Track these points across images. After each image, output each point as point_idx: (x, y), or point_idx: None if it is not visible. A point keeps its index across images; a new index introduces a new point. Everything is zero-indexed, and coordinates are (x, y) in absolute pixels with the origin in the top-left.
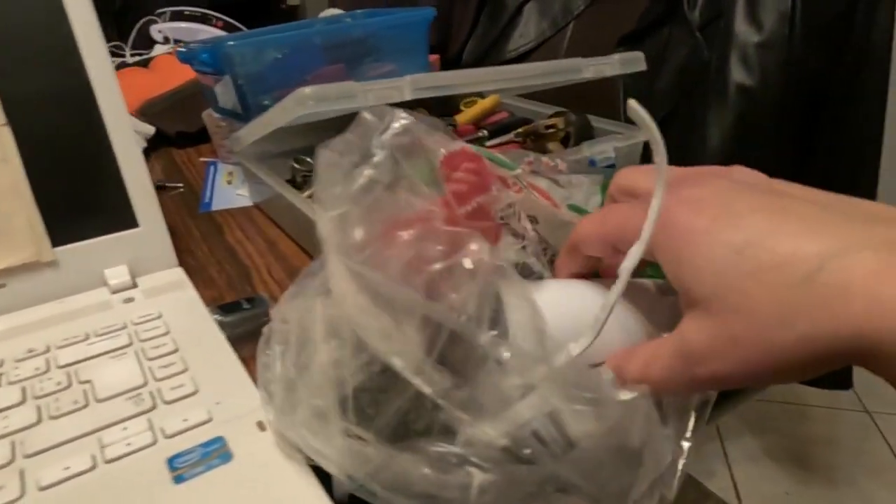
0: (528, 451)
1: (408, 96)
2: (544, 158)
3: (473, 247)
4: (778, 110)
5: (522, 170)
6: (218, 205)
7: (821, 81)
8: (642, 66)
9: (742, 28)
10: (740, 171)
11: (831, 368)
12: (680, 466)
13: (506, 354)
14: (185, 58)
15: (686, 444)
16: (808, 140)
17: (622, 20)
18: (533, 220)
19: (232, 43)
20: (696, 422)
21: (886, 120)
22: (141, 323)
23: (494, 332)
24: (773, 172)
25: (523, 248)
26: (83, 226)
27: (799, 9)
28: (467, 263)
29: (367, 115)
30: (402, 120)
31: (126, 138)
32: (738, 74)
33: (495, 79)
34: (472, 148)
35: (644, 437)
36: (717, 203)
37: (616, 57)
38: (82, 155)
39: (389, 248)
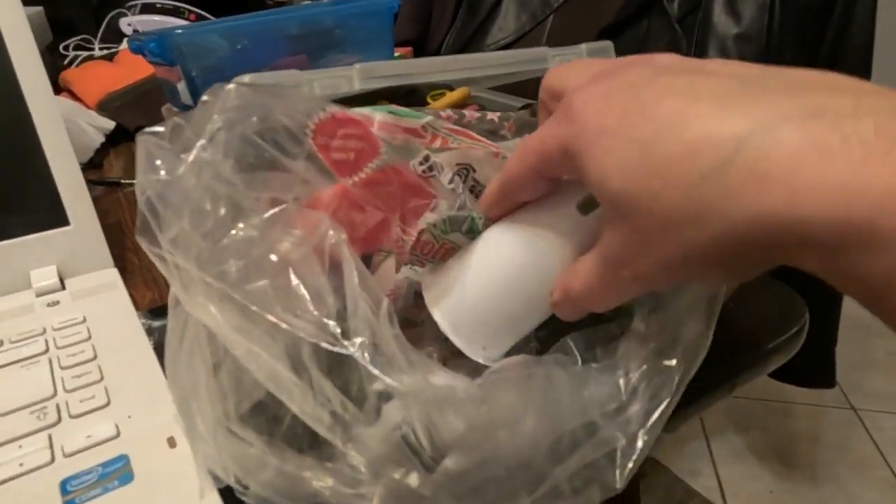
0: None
1: (357, 86)
2: (468, 112)
3: (288, 239)
4: None
5: (434, 119)
6: None
7: None
8: (611, 56)
9: (721, 19)
10: (663, 57)
11: (767, 266)
12: (636, 452)
13: (365, 356)
14: (136, 48)
15: (646, 430)
16: None
17: (601, 13)
18: (467, 168)
19: (181, 31)
20: (666, 408)
21: None
22: (61, 328)
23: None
24: None
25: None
26: (7, 224)
27: (778, 0)
28: (273, 256)
29: (206, 97)
30: (242, 95)
31: (56, 132)
32: None
33: (454, 67)
34: (345, 110)
35: (544, 404)
36: (627, 95)
37: (583, 47)
38: (7, 150)
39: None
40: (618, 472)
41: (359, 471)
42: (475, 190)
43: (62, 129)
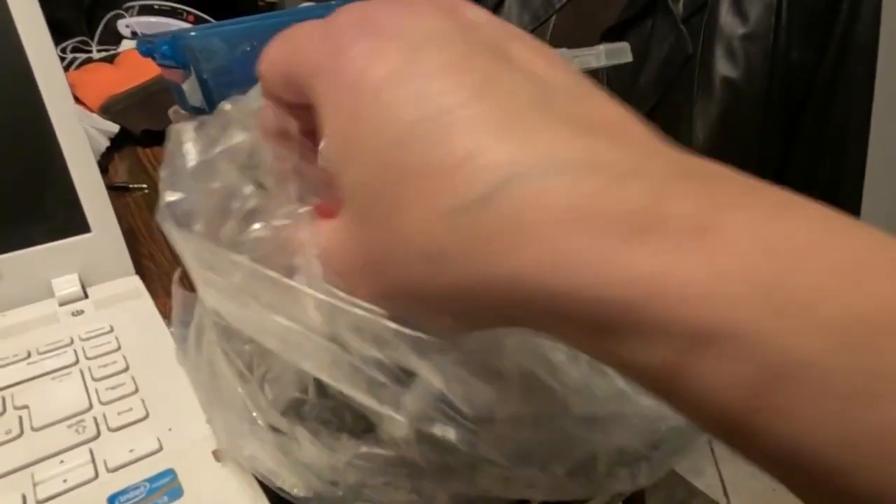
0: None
1: None
2: None
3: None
4: (763, 102)
5: None
6: None
7: (805, 73)
8: (628, 58)
9: (727, 20)
10: (472, 11)
11: (511, 324)
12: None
13: None
14: (146, 51)
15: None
16: (792, 132)
17: (604, 13)
18: None
19: (194, 34)
20: None
21: (874, 114)
22: (89, 338)
23: None
24: (758, 164)
25: None
26: (28, 232)
27: (785, 0)
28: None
29: (227, 106)
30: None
31: (75, 137)
32: (723, 67)
33: None
34: None
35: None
36: (407, 49)
37: (601, 48)
38: (27, 155)
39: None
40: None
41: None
42: None
43: (81, 134)
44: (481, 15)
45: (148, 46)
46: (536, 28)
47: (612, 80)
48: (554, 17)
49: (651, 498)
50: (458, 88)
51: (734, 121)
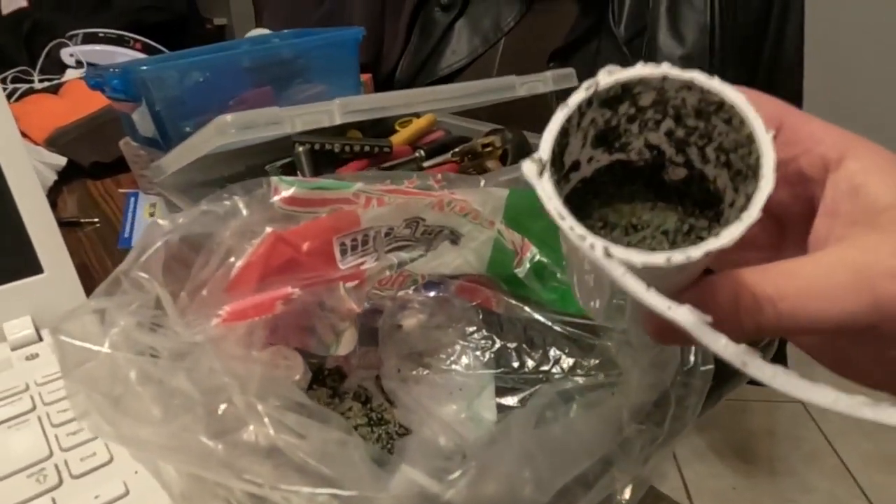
0: None
1: (338, 120)
2: (437, 177)
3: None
4: None
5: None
6: None
7: None
8: (574, 83)
9: (666, 42)
10: None
11: None
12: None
13: None
14: (95, 84)
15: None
16: None
17: (552, 35)
18: (417, 220)
19: (146, 67)
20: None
21: None
22: (45, 383)
23: None
24: None
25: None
26: None
27: (717, 22)
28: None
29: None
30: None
31: (23, 173)
32: None
33: (427, 99)
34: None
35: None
36: None
37: (548, 74)
38: None
39: None
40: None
41: None
42: (428, 236)
43: (30, 169)
44: None
45: (97, 80)
46: (487, 51)
47: (560, 102)
48: (503, 40)
49: None
50: None
51: None
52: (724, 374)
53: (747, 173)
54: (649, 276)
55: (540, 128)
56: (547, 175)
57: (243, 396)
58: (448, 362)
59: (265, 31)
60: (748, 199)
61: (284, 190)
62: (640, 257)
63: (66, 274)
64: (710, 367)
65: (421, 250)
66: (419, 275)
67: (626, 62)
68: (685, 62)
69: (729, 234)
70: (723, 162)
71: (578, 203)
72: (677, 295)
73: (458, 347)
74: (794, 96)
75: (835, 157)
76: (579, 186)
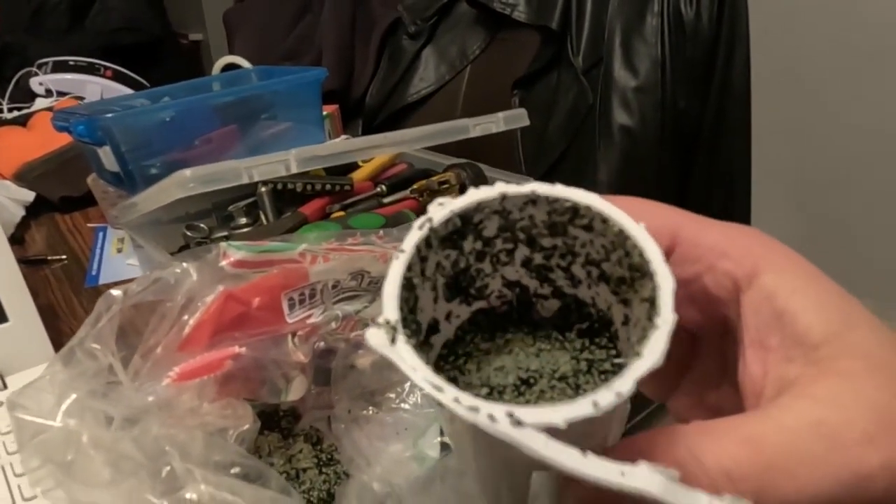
0: None
1: (294, 169)
2: (379, 233)
3: None
4: (657, 148)
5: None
6: (106, 277)
7: (692, 119)
8: (525, 122)
9: (621, 73)
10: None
11: None
12: None
13: None
14: (62, 128)
15: None
16: (686, 173)
17: (515, 64)
18: (362, 273)
19: (110, 115)
20: None
21: (753, 151)
22: (9, 433)
23: None
24: (658, 200)
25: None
26: None
27: (668, 55)
28: None
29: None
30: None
31: None
32: (619, 116)
33: (383, 144)
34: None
35: None
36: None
37: (500, 115)
38: None
39: None
40: None
41: None
42: (375, 286)
43: None
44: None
45: (63, 125)
46: (454, 78)
47: (524, 130)
48: (469, 67)
49: None
50: None
51: (634, 164)
52: None
53: (633, 276)
54: (575, 438)
55: (506, 157)
56: (402, 339)
57: (181, 463)
58: (397, 401)
59: (237, 58)
60: (651, 302)
61: (233, 254)
62: (561, 413)
63: (31, 321)
64: None
65: (367, 301)
66: (370, 318)
67: (583, 92)
68: (639, 93)
69: (652, 350)
70: (597, 276)
71: (450, 373)
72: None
73: (407, 386)
74: (743, 124)
75: (745, 273)
76: (444, 353)
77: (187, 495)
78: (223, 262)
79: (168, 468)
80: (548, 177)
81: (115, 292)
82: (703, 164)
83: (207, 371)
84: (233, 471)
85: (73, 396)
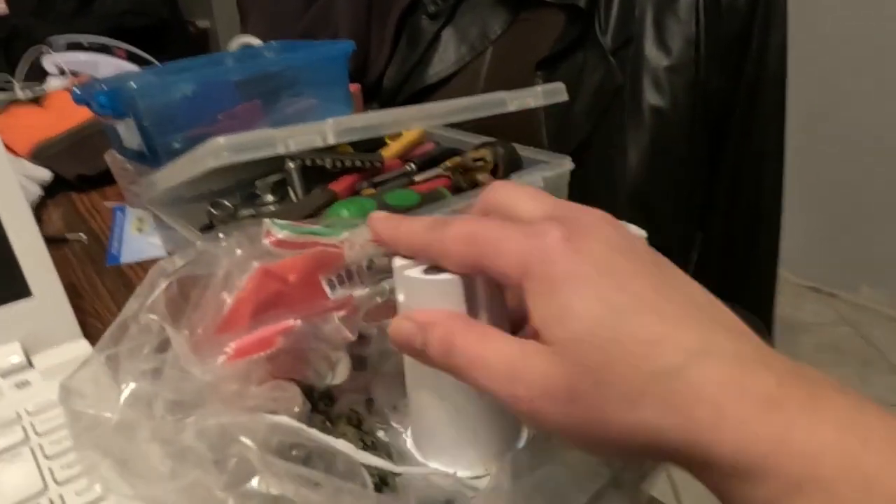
0: None
1: (331, 140)
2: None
3: None
4: (688, 129)
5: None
6: (128, 257)
7: (724, 100)
8: (564, 97)
9: (652, 53)
10: (614, 226)
11: (647, 461)
12: None
13: None
14: (81, 100)
15: None
16: (717, 154)
17: (538, 45)
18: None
19: (133, 84)
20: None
21: (787, 133)
22: (38, 412)
23: None
24: (687, 183)
25: None
26: None
27: (703, 33)
28: None
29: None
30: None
31: (9, 190)
32: (651, 97)
33: (420, 116)
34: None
35: None
36: (605, 258)
37: (539, 89)
38: None
39: None
40: None
41: None
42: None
43: (16, 186)
44: (623, 230)
45: (82, 96)
46: (474, 59)
47: (549, 112)
48: (490, 48)
49: None
50: (652, 288)
51: (664, 146)
52: None
53: None
54: None
55: (528, 134)
56: None
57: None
58: None
59: (250, 37)
60: None
61: (276, 233)
62: None
63: (56, 297)
64: None
65: None
66: None
67: (611, 72)
68: (671, 73)
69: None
70: None
71: None
72: None
73: None
74: (777, 107)
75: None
76: None
77: (261, 487)
78: (265, 241)
79: (235, 459)
80: (573, 160)
81: (165, 264)
82: (734, 148)
83: (262, 347)
84: (294, 453)
85: (133, 385)
